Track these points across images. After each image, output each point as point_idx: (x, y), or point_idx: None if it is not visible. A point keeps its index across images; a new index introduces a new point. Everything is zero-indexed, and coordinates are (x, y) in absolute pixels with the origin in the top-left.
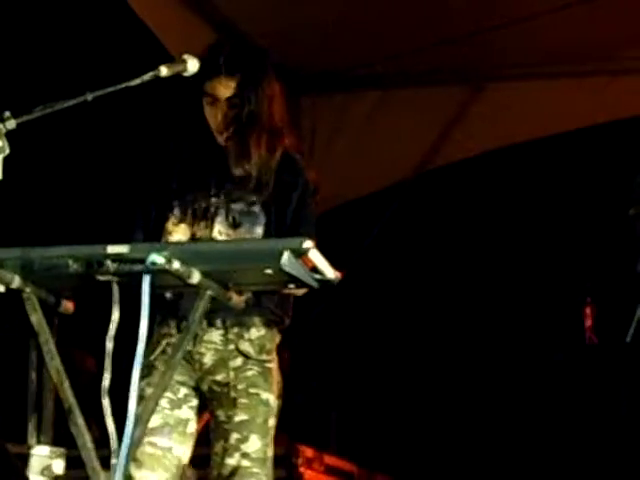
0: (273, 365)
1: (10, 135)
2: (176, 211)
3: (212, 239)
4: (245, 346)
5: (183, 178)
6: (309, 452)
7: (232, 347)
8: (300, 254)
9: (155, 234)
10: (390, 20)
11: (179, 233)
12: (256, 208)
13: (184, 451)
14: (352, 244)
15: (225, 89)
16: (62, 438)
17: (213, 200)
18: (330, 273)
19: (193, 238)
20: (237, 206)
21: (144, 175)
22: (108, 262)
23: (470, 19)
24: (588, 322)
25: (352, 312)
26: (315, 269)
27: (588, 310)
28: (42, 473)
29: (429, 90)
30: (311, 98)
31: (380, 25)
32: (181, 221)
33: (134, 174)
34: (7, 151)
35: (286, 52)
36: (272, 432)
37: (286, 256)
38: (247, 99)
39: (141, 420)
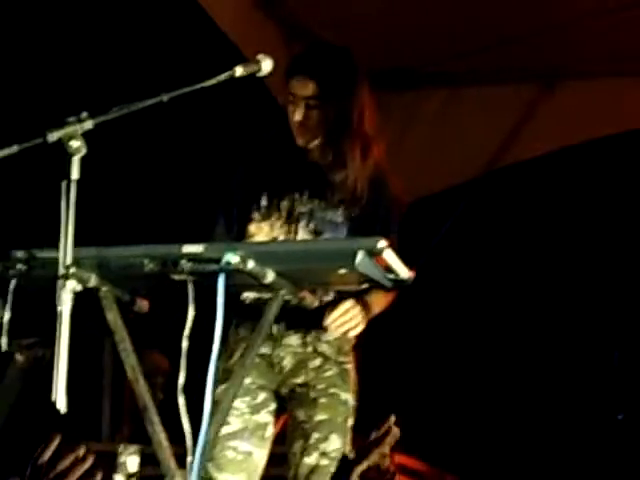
0: (350, 366)
1: (87, 135)
2: (259, 214)
3: None
4: (323, 347)
5: (268, 181)
6: None
7: (310, 349)
8: (374, 254)
9: (237, 236)
10: (460, 17)
11: (261, 236)
12: (339, 218)
13: (262, 455)
14: (420, 243)
15: (302, 88)
16: (138, 435)
17: (298, 206)
18: (404, 273)
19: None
20: (321, 214)
21: (227, 176)
22: (183, 262)
23: (540, 16)
24: None
25: (420, 310)
26: (389, 269)
27: None
28: (117, 470)
29: (499, 88)
30: (381, 95)
31: (451, 22)
32: (263, 224)
33: (214, 173)
34: (84, 151)
35: (356, 49)
36: (350, 432)
37: (360, 256)
38: (329, 101)
39: (216, 420)
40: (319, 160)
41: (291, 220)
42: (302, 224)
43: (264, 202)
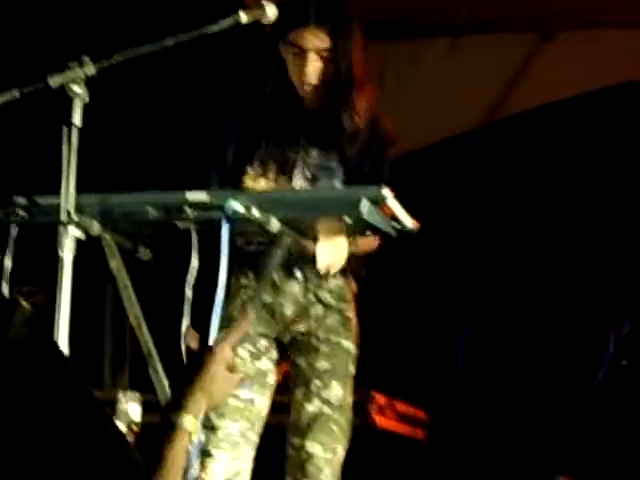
0: (351, 313)
1: (89, 82)
2: (255, 166)
3: None
4: (325, 295)
5: (261, 131)
6: (381, 399)
7: (312, 297)
8: (378, 202)
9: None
10: None
11: (257, 188)
12: (333, 162)
13: (264, 402)
14: (419, 193)
15: (315, 40)
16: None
17: (291, 154)
18: (409, 222)
19: None
20: (315, 161)
21: (221, 124)
22: (187, 209)
23: None
24: None
25: (421, 261)
26: (394, 218)
27: None
28: (119, 417)
29: (499, 36)
30: (380, 45)
31: None
32: (260, 175)
33: (211, 121)
34: (86, 97)
35: None
36: (352, 379)
37: (365, 204)
38: (342, 52)
39: None
40: (318, 106)
41: (285, 169)
42: (297, 172)
43: (258, 153)
